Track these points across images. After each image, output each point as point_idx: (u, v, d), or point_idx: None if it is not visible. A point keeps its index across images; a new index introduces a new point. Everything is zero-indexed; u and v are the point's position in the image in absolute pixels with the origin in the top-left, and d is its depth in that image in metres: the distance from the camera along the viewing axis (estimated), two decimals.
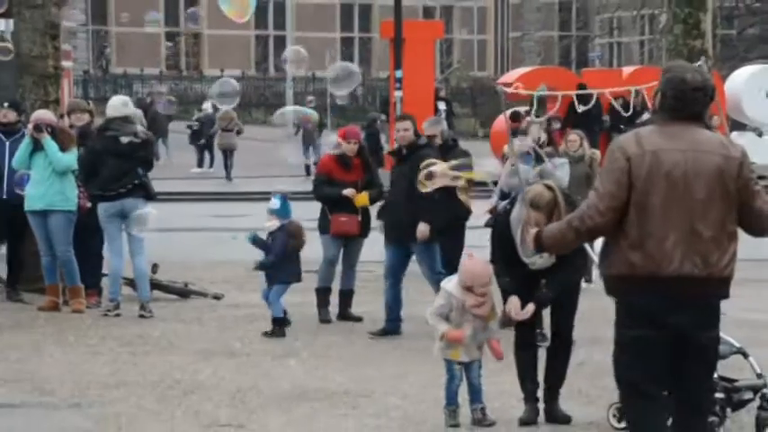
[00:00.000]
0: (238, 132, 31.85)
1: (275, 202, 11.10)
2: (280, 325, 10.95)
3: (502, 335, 7.80)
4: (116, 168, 11.83)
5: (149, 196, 12.03)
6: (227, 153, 31.17)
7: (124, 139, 11.98)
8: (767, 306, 12.72)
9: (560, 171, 10.86)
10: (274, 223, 10.94)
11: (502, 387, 8.27)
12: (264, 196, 28.34)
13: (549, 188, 7.50)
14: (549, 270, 7.58)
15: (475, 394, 7.65)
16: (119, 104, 12.34)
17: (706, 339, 5.71)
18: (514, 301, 7.51)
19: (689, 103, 5.62)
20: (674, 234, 5.53)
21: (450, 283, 7.75)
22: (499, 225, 7.82)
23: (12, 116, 12.68)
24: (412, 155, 11.10)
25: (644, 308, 5.61)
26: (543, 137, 11.07)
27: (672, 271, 5.54)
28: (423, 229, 10.81)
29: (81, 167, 11.96)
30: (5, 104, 12.76)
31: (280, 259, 10.84)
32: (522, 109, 30.04)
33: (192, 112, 38.76)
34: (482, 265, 7.68)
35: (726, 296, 5.76)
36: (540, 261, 7.55)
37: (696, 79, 5.67)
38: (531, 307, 7.52)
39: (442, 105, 31.76)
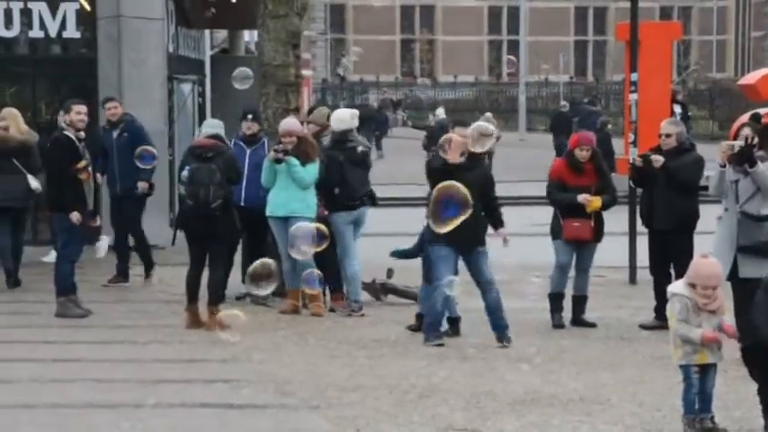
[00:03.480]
0: (497, 138, 32.59)
1: None
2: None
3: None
4: (357, 178, 12.19)
5: (375, 203, 12.36)
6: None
7: (360, 149, 12.31)
8: None
9: None
10: None
11: (744, 395, 8.07)
12: (517, 201, 28.19)
13: None
14: None
15: (705, 403, 7.51)
16: (348, 117, 12.64)
17: None
18: None
19: None
20: None
21: (676, 287, 7.65)
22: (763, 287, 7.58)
23: (255, 128, 13.11)
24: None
25: None
26: (754, 138, 10.65)
27: None
28: None
29: (327, 178, 12.21)
30: (250, 116, 13.19)
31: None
32: (763, 111, 28.99)
33: (425, 118, 39.22)
34: (712, 267, 7.58)
35: None
36: None
37: None
38: None
39: (677, 109, 31.16)
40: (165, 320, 11.90)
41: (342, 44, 61.31)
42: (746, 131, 10.57)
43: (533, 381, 9.30)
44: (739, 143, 10.48)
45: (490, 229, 11.08)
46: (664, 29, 32.37)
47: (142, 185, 13.94)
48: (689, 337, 7.50)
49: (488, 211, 10.91)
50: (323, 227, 10.78)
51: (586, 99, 41.01)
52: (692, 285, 7.54)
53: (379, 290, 13.15)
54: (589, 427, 7.82)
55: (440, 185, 10.03)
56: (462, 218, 9.87)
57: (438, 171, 10.58)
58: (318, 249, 10.75)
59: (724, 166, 10.33)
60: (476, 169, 10.69)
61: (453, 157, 10.56)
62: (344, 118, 12.66)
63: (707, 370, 7.54)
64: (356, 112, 13.19)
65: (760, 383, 7.56)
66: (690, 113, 30.15)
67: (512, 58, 50.30)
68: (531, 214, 19.05)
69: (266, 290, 9.96)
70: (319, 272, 10.90)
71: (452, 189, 9.90)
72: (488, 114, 37.52)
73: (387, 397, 8.71)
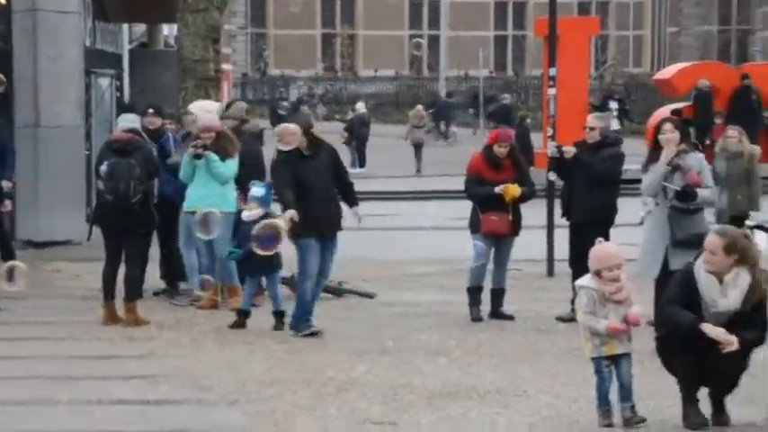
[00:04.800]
0: (428, 131, 34.12)
1: (259, 190, 11.15)
2: (280, 318, 11.10)
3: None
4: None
5: None
6: (417, 148, 33.27)
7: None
8: None
9: (704, 170, 10.63)
10: (257, 212, 10.96)
11: (658, 386, 8.17)
12: (416, 196, 28.43)
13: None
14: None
15: (624, 393, 7.60)
16: (213, 108, 12.84)
17: None
18: (712, 327, 7.37)
19: None
20: None
21: (583, 280, 7.78)
22: (685, 272, 7.67)
23: (158, 122, 13.03)
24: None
25: None
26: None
27: None
28: None
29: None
30: (151, 111, 13.09)
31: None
32: (682, 105, 29.43)
33: (347, 112, 39.21)
34: (608, 248, 7.73)
35: None
36: (723, 302, 7.48)
37: None
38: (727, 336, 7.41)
39: (614, 105, 31.62)
40: (81, 317, 11.78)
41: (262, 38, 61.08)
42: (668, 127, 10.73)
43: (451, 374, 9.35)
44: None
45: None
46: (582, 24, 32.70)
47: (6, 184, 13.32)
48: (595, 328, 7.58)
49: (342, 190, 11.00)
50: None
51: (505, 95, 41.31)
52: (598, 274, 7.64)
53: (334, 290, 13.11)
54: (506, 419, 7.88)
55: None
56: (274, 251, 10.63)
57: (282, 163, 10.78)
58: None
59: (670, 165, 10.50)
60: (320, 155, 10.79)
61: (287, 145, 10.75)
62: (211, 108, 12.72)
63: (620, 361, 7.63)
64: (216, 104, 13.25)
65: (674, 374, 7.67)
66: (627, 107, 30.56)
67: (420, 40, 50.40)
68: (450, 208, 19.14)
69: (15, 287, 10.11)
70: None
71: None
72: (419, 107, 37.64)
73: (305, 391, 8.71)
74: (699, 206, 10.66)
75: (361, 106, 35.81)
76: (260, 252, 10.66)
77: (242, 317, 11.23)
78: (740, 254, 7.53)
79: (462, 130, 44.54)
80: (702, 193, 10.48)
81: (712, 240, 7.56)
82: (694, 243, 10.11)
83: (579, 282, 7.86)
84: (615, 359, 7.62)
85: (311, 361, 9.81)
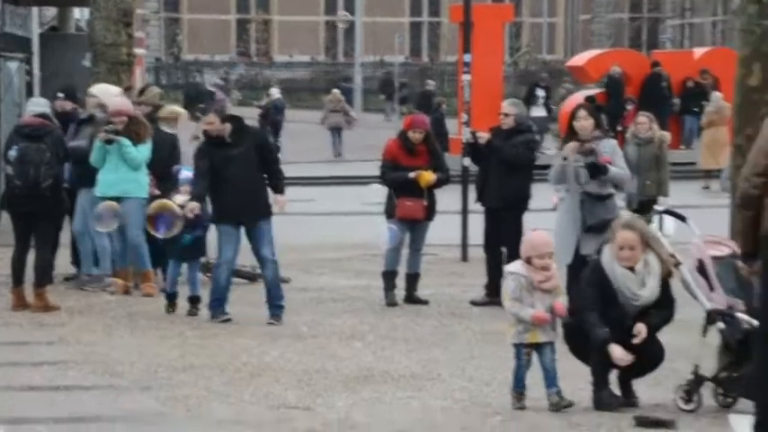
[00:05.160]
0: (346, 114, 34.51)
1: (190, 173, 11.17)
2: (195, 303, 11.07)
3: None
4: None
5: None
6: (335, 132, 33.64)
7: None
8: None
9: (615, 156, 10.78)
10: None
11: (569, 369, 8.24)
12: (332, 181, 28.41)
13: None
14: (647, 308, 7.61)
15: (550, 378, 7.64)
16: (116, 92, 12.71)
17: None
18: (618, 350, 7.45)
19: None
20: None
21: (512, 266, 7.79)
22: (594, 270, 7.72)
23: (68, 106, 12.85)
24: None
25: None
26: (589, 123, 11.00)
27: None
28: None
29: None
30: (61, 95, 12.91)
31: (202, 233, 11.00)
32: (595, 92, 29.72)
33: (260, 98, 39.03)
34: (542, 236, 7.76)
35: None
36: (643, 293, 7.56)
37: None
38: (628, 357, 7.50)
39: (541, 92, 31.80)
40: None
41: (176, 23, 60.52)
42: (582, 113, 10.85)
43: (366, 358, 9.36)
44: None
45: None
46: (496, 11, 32.88)
47: None
48: (520, 316, 7.60)
49: (269, 177, 10.88)
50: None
51: (429, 81, 41.46)
52: (528, 261, 7.66)
53: (209, 269, 13.00)
54: (420, 403, 7.90)
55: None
56: (174, 232, 10.70)
57: (201, 151, 10.83)
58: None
59: (566, 159, 10.61)
60: (243, 142, 10.71)
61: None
62: (113, 92, 12.67)
63: (542, 348, 7.65)
64: (117, 89, 13.16)
65: (581, 359, 7.74)
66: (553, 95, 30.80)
67: (345, 13, 50.37)
68: (365, 194, 19.14)
69: None
70: None
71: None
72: (336, 91, 37.56)
73: (218, 376, 8.65)
74: (611, 192, 10.80)
75: (275, 92, 35.65)
76: (152, 232, 10.77)
77: (172, 299, 11.13)
78: (648, 241, 7.64)
79: (373, 115, 44.70)
80: (613, 169, 10.60)
81: (626, 237, 7.60)
82: (606, 228, 10.24)
83: (508, 267, 7.86)
84: (538, 347, 7.64)
85: (225, 346, 9.75)
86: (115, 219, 11.24)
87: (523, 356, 7.64)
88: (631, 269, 7.61)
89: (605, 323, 7.49)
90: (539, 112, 31.07)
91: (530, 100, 30.44)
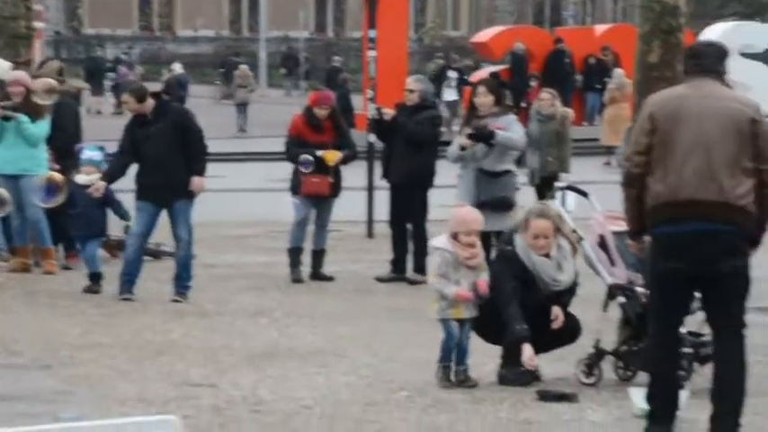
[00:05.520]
0: (251, 90, 34.77)
1: (94, 153, 11.10)
2: (97, 280, 10.98)
3: None
4: None
5: None
6: (241, 108, 33.73)
7: None
8: None
9: (512, 129, 10.85)
10: (95, 176, 10.90)
11: (474, 345, 8.30)
12: (239, 158, 28.21)
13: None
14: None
15: (462, 356, 7.67)
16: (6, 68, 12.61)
17: (729, 268, 6.18)
18: (529, 352, 7.51)
19: (701, 59, 6.42)
20: (692, 165, 6.17)
21: (438, 241, 7.77)
22: (506, 260, 7.75)
23: None
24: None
25: (670, 239, 6.20)
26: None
27: (688, 195, 6.14)
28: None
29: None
30: None
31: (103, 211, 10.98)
32: (499, 68, 29.83)
33: (161, 73, 38.62)
34: (471, 212, 7.77)
35: (745, 227, 6.20)
36: (562, 277, 7.62)
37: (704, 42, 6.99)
38: (535, 363, 7.58)
39: (453, 74, 31.81)
40: None
41: None
42: (481, 90, 10.92)
43: (271, 335, 9.33)
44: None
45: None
46: None
47: None
48: (444, 293, 7.61)
49: (188, 156, 10.62)
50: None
51: (336, 58, 41.38)
52: (454, 237, 7.66)
53: (115, 247, 12.87)
54: (325, 378, 7.91)
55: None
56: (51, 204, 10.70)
57: (125, 129, 10.78)
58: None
59: (464, 149, 10.68)
60: (164, 120, 10.59)
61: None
62: (5, 67, 12.50)
63: (462, 325, 7.68)
64: (7, 63, 12.97)
65: (488, 340, 7.80)
66: (466, 77, 30.79)
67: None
68: (274, 170, 19.08)
69: None
70: None
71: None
72: (244, 67, 37.30)
73: (122, 354, 8.57)
74: (508, 169, 10.86)
75: (178, 67, 35.34)
76: (41, 204, 10.71)
77: (95, 279, 10.98)
78: (559, 226, 7.73)
79: (278, 91, 44.51)
80: (501, 133, 10.59)
81: (542, 225, 7.66)
82: (498, 206, 10.32)
83: (434, 243, 7.81)
84: (458, 322, 7.65)
85: (128, 324, 9.66)
86: (6, 205, 10.81)
87: (453, 328, 7.63)
88: (546, 255, 7.67)
89: (525, 310, 7.53)
90: (451, 95, 31.13)
91: (441, 82, 30.44)
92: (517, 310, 7.54)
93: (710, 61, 6.41)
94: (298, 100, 37.05)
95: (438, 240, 7.81)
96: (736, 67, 37.30)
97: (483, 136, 10.64)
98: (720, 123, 6.22)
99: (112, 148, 11.38)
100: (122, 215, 11.19)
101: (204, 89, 44.13)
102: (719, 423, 6.24)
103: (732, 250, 6.19)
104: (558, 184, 9.30)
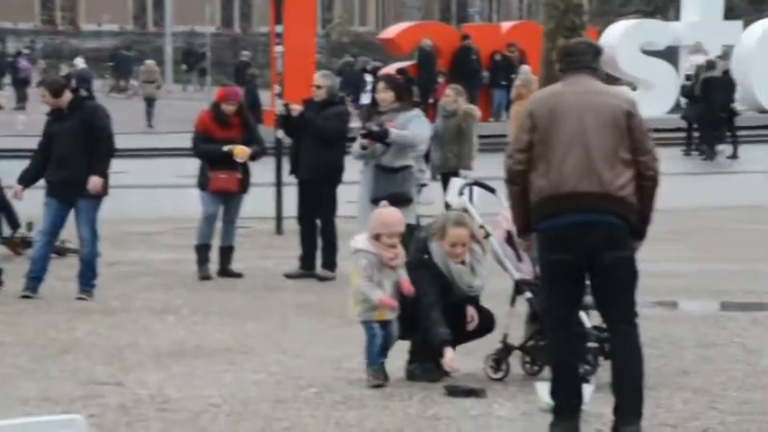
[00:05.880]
0: (158, 86, 34.73)
1: None
2: None
3: None
4: None
5: None
6: (149, 102, 33.74)
7: None
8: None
9: (411, 126, 10.83)
10: None
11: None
12: (146, 153, 27.94)
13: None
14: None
15: (382, 351, 7.64)
16: None
17: (613, 259, 6.24)
18: (450, 356, 7.52)
19: (576, 56, 6.55)
20: (572, 159, 6.26)
21: (360, 242, 7.70)
22: (424, 268, 7.72)
23: None
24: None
25: (554, 232, 6.28)
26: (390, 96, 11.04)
27: (569, 189, 6.24)
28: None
29: None
30: None
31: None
32: (406, 64, 29.87)
33: (62, 68, 38.07)
34: (394, 213, 7.73)
35: (627, 218, 6.28)
36: (477, 283, 7.65)
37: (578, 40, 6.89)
38: (456, 367, 7.59)
39: (369, 78, 31.83)
40: None
41: None
42: (381, 85, 10.94)
43: (178, 332, 9.26)
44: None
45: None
46: None
47: None
48: (370, 297, 7.56)
49: (93, 153, 10.39)
50: None
51: (245, 53, 41.09)
52: (376, 238, 7.60)
53: (19, 244, 12.69)
54: (233, 376, 7.86)
55: None
56: None
57: (46, 124, 10.62)
58: None
59: (365, 149, 10.69)
60: (75, 116, 10.43)
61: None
62: None
63: (387, 325, 7.65)
64: None
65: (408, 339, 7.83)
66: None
67: None
68: (181, 166, 18.93)
69: None
70: None
71: None
72: (150, 62, 36.93)
73: (25, 353, 8.43)
74: (405, 165, 10.86)
75: (80, 61, 34.91)
76: None
77: None
78: (474, 234, 7.76)
79: (179, 87, 44.17)
80: (395, 131, 10.59)
81: (460, 234, 7.65)
82: (394, 201, 10.34)
83: (355, 244, 7.71)
84: (382, 323, 7.63)
85: (32, 322, 9.51)
86: None
87: (376, 330, 7.59)
88: (462, 262, 7.70)
89: (443, 311, 7.54)
90: (367, 99, 31.12)
91: (359, 87, 30.47)
92: (440, 316, 7.55)
93: (586, 58, 6.54)
94: (198, 95, 36.85)
95: (359, 242, 7.71)
96: (639, 65, 37.95)
97: (377, 135, 10.65)
98: (597, 118, 6.34)
99: (9, 143, 11.22)
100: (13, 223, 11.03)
101: (109, 84, 43.64)
102: (621, 414, 6.33)
103: (614, 241, 6.27)
104: (462, 180, 9.32)
